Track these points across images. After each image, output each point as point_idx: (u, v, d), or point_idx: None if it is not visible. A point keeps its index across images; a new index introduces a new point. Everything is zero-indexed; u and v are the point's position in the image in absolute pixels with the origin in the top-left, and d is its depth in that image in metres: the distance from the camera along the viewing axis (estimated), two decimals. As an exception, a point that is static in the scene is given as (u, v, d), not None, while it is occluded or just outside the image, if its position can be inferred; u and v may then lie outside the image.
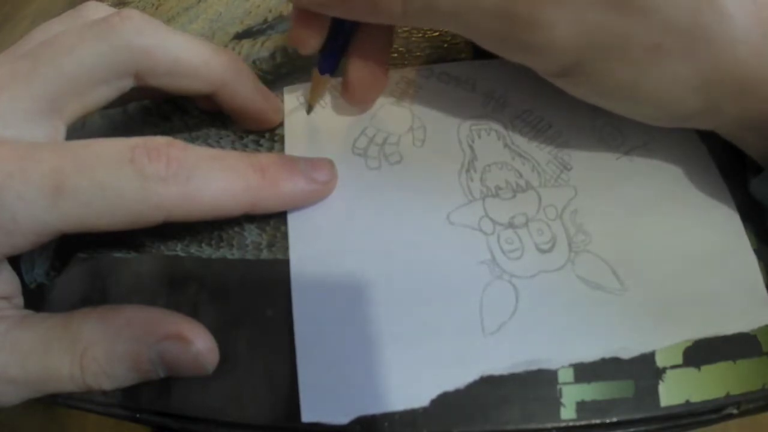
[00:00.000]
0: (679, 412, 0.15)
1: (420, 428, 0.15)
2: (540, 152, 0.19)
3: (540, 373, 0.16)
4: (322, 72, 0.19)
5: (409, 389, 0.16)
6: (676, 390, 0.16)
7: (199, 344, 0.15)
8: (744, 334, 0.16)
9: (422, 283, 0.17)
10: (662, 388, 0.16)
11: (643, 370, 0.16)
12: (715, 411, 0.16)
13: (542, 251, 0.17)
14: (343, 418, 0.15)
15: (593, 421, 0.15)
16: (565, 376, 0.16)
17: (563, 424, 0.15)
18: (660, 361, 0.16)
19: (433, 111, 0.20)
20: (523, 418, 0.15)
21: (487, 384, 0.16)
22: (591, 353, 0.16)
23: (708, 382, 0.16)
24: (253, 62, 0.23)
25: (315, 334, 0.16)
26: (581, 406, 0.15)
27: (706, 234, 0.18)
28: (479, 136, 0.19)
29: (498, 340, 0.16)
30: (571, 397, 0.15)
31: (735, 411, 0.16)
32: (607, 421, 0.15)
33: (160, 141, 0.15)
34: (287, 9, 0.25)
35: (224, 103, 0.19)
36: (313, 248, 0.18)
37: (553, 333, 0.16)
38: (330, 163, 0.18)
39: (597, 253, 0.17)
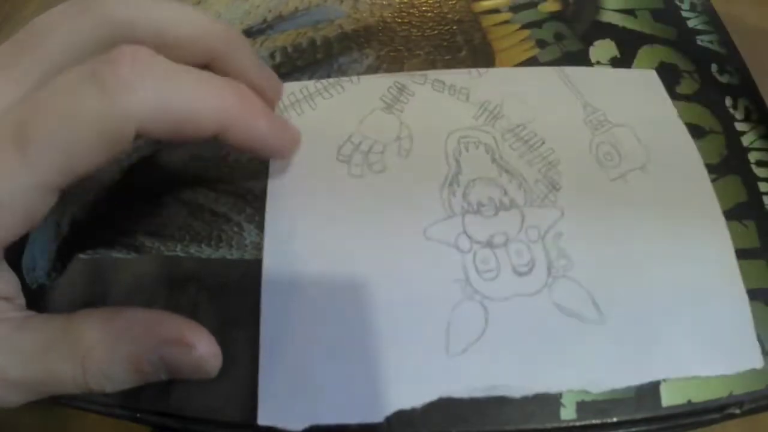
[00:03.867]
0: (680, 412, 0.15)
1: (419, 428, 0.15)
2: (529, 169, 0.19)
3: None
4: None
5: (365, 403, 0.15)
6: (677, 390, 0.15)
7: (201, 349, 0.15)
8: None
9: (391, 297, 0.16)
10: (664, 387, 0.15)
11: (644, 369, 0.16)
12: (717, 411, 0.16)
13: (519, 274, 0.17)
14: (297, 425, 0.15)
15: (593, 422, 0.15)
16: (566, 376, 0.16)
17: (563, 425, 0.15)
18: (661, 361, 0.16)
19: (422, 120, 0.20)
20: (523, 418, 0.15)
21: (487, 384, 0.16)
22: (557, 384, 0.15)
23: (710, 381, 0.16)
24: (253, 62, 0.23)
25: (279, 338, 0.16)
26: (581, 407, 0.15)
27: (697, 269, 0.17)
28: (467, 149, 0.19)
29: (461, 362, 0.16)
30: (571, 397, 0.15)
31: (737, 411, 0.15)
32: (608, 421, 0.15)
33: (125, 48, 0.13)
34: (286, 9, 0.25)
35: (231, 142, 0.16)
36: (288, 251, 0.17)
37: (520, 360, 0.16)
38: (295, 128, 0.17)
39: (577, 279, 0.17)
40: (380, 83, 0.21)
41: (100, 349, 0.14)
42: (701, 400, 0.15)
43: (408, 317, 0.16)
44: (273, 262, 0.17)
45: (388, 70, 0.21)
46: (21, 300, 0.16)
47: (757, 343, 0.16)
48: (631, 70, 0.21)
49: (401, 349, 0.16)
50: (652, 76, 0.21)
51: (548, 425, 0.15)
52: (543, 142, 0.19)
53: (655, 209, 0.18)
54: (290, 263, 0.17)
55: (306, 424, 0.15)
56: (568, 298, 0.16)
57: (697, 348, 0.16)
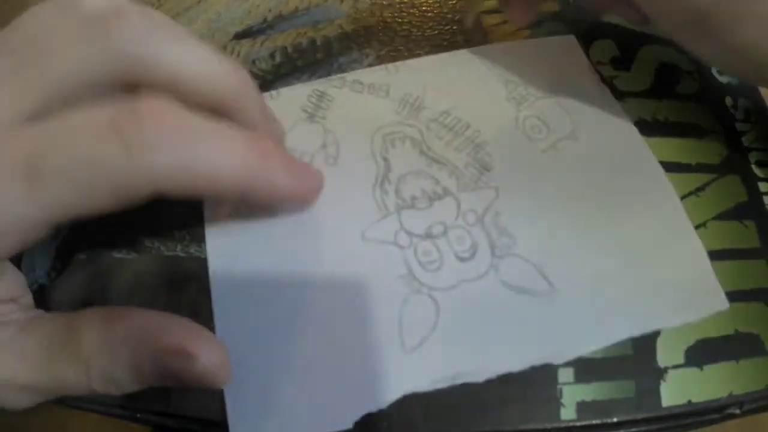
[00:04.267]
0: (680, 413, 0.15)
1: (419, 428, 0.15)
2: (458, 155, 0.19)
3: (539, 372, 0.16)
4: None
5: (332, 412, 0.15)
6: (677, 390, 0.15)
7: (204, 360, 0.13)
8: (747, 333, 0.16)
9: (340, 302, 0.16)
10: (664, 388, 0.15)
11: (644, 370, 0.16)
12: (717, 411, 0.16)
13: (462, 260, 0.17)
14: None
15: (593, 422, 0.15)
16: (566, 376, 0.16)
17: (563, 425, 0.15)
18: (662, 361, 0.16)
19: (345, 124, 0.19)
20: (523, 418, 0.15)
21: (487, 384, 0.16)
22: (519, 362, 0.15)
23: (710, 381, 0.16)
24: (253, 62, 0.23)
25: (236, 358, 0.15)
26: (581, 407, 0.15)
27: (643, 223, 0.17)
28: (393, 146, 0.19)
29: (419, 356, 0.16)
30: (572, 397, 0.15)
31: (737, 411, 0.15)
32: (608, 421, 0.15)
33: (150, 102, 0.13)
34: (287, 9, 0.25)
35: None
36: (233, 266, 0.17)
37: (478, 345, 0.16)
38: (317, 171, 0.17)
39: (523, 255, 0.17)
40: (300, 93, 0.20)
41: (102, 357, 0.14)
42: (701, 400, 0.15)
43: (359, 320, 0.16)
44: (221, 280, 0.17)
45: (388, 70, 0.21)
46: (28, 297, 0.16)
47: (718, 286, 0.16)
48: (550, 38, 0.21)
49: (358, 353, 0.16)
50: (571, 41, 0.21)
51: (548, 425, 0.15)
52: (468, 126, 0.19)
53: (592, 173, 0.18)
54: (237, 280, 0.17)
55: None
56: (516, 276, 0.17)
57: (657, 301, 0.16)
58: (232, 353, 0.14)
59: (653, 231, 0.17)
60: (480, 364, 0.15)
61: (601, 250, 0.17)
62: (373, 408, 0.15)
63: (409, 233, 0.17)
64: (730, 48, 0.16)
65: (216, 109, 0.15)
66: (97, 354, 0.14)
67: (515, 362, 0.15)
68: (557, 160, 0.18)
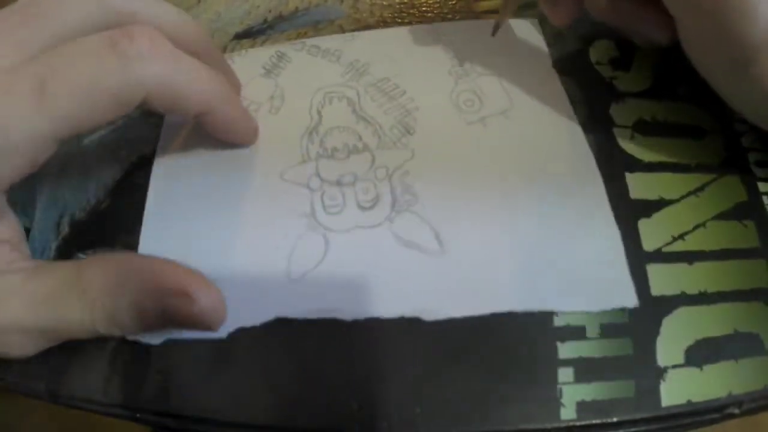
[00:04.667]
0: (680, 412, 0.15)
1: (419, 428, 0.15)
2: (386, 117, 0.20)
3: (539, 372, 0.16)
4: None
5: None
6: (677, 390, 0.15)
7: (202, 302, 0.15)
8: (747, 333, 0.16)
9: (248, 227, 0.18)
10: (663, 387, 0.15)
11: (644, 369, 0.16)
12: (717, 410, 0.15)
13: (363, 208, 0.18)
14: (155, 339, 0.17)
15: (593, 422, 0.15)
16: (565, 375, 0.16)
17: (563, 425, 0.15)
18: (661, 361, 0.16)
19: (295, 80, 0.22)
20: (523, 418, 0.15)
21: (487, 384, 0.16)
22: (389, 309, 0.16)
23: (710, 381, 0.16)
24: (253, 62, 0.23)
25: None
26: (581, 406, 0.15)
27: (559, 208, 0.18)
28: (330, 103, 0.21)
29: (299, 285, 0.17)
30: (571, 397, 0.15)
31: (737, 411, 0.15)
32: (608, 421, 0.15)
33: (140, 26, 0.15)
34: (287, 9, 0.25)
35: (209, 124, 0.18)
36: (171, 183, 0.20)
37: (355, 286, 0.17)
38: (257, 124, 0.20)
39: (420, 214, 0.18)
40: (264, 53, 0.23)
41: (107, 297, 0.15)
42: (701, 400, 0.15)
43: (259, 246, 0.18)
44: (155, 196, 0.19)
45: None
46: (24, 247, 0.17)
47: (630, 281, 0.16)
48: (511, 20, 0.22)
49: (249, 273, 0.17)
50: (533, 24, 0.22)
51: (548, 425, 0.15)
52: (404, 93, 0.21)
53: (515, 152, 0.19)
54: (171, 196, 0.19)
55: (163, 338, 0.17)
56: (409, 231, 0.18)
57: (554, 283, 0.16)
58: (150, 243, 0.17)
59: (567, 216, 0.18)
60: (351, 306, 0.17)
61: (505, 225, 0.17)
62: (247, 323, 0.17)
63: (321, 179, 0.19)
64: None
65: (198, 114, 0.17)
66: (103, 295, 0.15)
67: (386, 309, 0.16)
68: (481, 134, 0.19)
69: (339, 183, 0.19)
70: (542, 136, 0.19)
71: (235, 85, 0.21)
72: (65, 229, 0.19)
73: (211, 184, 0.19)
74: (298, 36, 0.23)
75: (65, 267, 0.16)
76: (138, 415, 0.16)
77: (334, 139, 0.20)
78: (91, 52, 0.15)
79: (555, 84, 0.21)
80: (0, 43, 0.15)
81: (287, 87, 0.22)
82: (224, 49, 0.24)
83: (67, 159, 0.21)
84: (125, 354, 0.17)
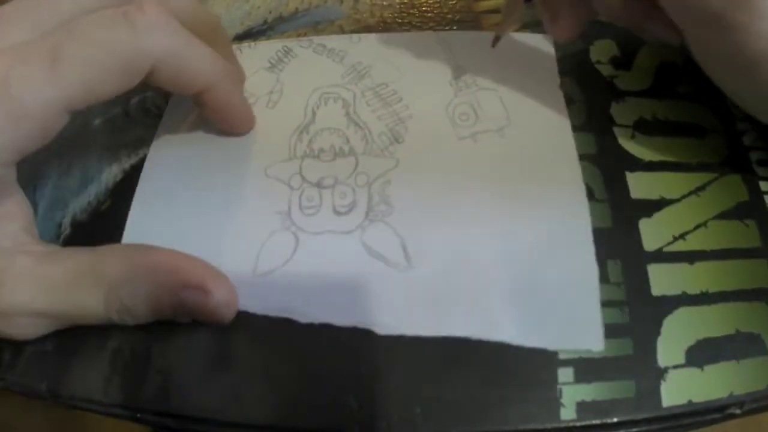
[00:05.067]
0: (681, 413, 0.15)
1: (419, 428, 0.15)
2: (378, 123, 0.20)
3: (539, 372, 0.16)
4: None
5: None
6: (678, 390, 0.15)
7: (218, 296, 0.16)
8: (748, 333, 0.16)
9: (225, 221, 0.18)
10: (664, 388, 0.15)
11: (644, 370, 0.16)
12: (718, 411, 0.15)
13: (338, 213, 0.18)
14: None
15: (593, 422, 0.15)
16: (566, 376, 0.16)
17: (563, 425, 0.15)
18: (662, 361, 0.16)
19: (296, 77, 0.22)
20: (523, 418, 0.15)
21: (487, 384, 0.16)
22: (343, 318, 0.16)
23: (711, 381, 0.15)
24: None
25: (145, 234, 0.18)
26: (581, 407, 0.15)
27: (539, 236, 0.17)
28: (326, 103, 0.21)
29: (263, 282, 0.17)
30: (571, 397, 0.15)
31: (738, 411, 0.15)
32: (608, 421, 0.15)
33: (152, 2, 0.16)
34: (287, 10, 0.25)
35: (209, 104, 0.19)
36: (166, 162, 0.20)
37: (316, 289, 0.17)
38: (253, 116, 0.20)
39: (393, 225, 0.18)
40: (271, 47, 0.23)
41: (123, 287, 0.15)
42: (702, 400, 0.15)
43: (231, 238, 0.18)
44: (149, 173, 0.20)
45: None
46: (35, 230, 0.17)
47: (600, 326, 0.16)
48: (522, 34, 0.22)
49: (219, 264, 0.17)
50: (545, 40, 0.21)
51: (548, 425, 0.15)
52: (400, 100, 0.20)
53: (501, 172, 0.18)
54: (163, 174, 0.20)
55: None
56: (379, 241, 0.17)
57: (515, 313, 0.16)
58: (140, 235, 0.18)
59: (547, 249, 0.17)
60: (309, 309, 0.16)
61: (478, 248, 0.17)
62: None
63: (303, 178, 0.19)
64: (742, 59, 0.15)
65: (200, 92, 0.18)
66: (120, 283, 0.15)
67: (339, 318, 0.16)
68: (470, 150, 0.19)
69: (319, 184, 0.19)
70: (535, 161, 0.19)
71: (239, 75, 0.21)
72: (67, 229, 0.20)
73: (197, 173, 0.19)
74: (298, 37, 0.23)
75: (82, 253, 0.16)
76: (138, 415, 0.16)
77: (323, 140, 0.20)
78: (103, 23, 0.15)
79: (559, 106, 0.20)
80: (18, 22, 0.16)
81: (287, 83, 0.22)
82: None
83: (68, 161, 0.21)
84: (125, 354, 0.17)
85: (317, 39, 0.23)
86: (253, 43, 0.23)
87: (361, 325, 0.16)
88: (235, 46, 0.23)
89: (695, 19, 0.16)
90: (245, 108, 0.20)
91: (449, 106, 0.20)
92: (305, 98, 0.21)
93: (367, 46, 0.22)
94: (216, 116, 0.19)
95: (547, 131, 0.19)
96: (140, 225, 0.19)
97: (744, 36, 0.15)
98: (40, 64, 0.15)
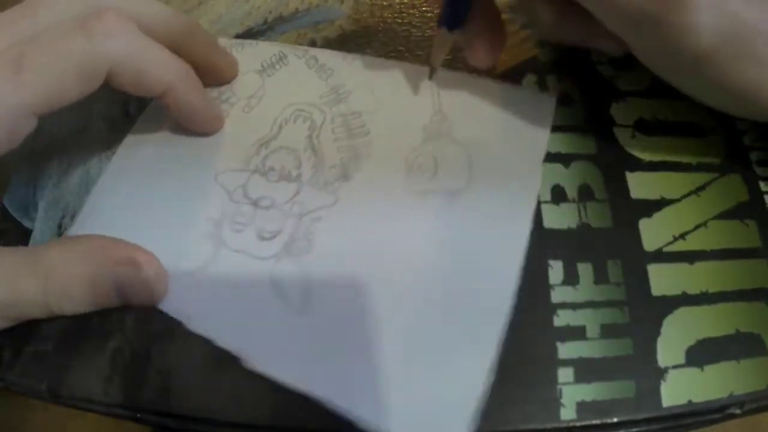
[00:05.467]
0: (681, 413, 0.15)
1: (419, 428, 0.15)
2: (334, 154, 0.19)
3: (539, 373, 0.16)
4: (449, 27, 0.18)
5: None
6: (678, 390, 0.15)
7: (148, 270, 0.16)
8: (748, 333, 0.16)
9: (167, 209, 0.19)
10: (664, 388, 0.15)
11: (644, 370, 0.16)
12: (718, 411, 0.15)
13: (261, 237, 0.18)
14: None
15: (593, 422, 0.15)
16: (566, 376, 0.16)
17: (563, 425, 0.15)
18: (662, 361, 0.16)
19: (278, 87, 0.21)
20: (523, 418, 0.15)
21: (487, 384, 0.16)
22: (228, 342, 0.16)
23: (711, 381, 0.15)
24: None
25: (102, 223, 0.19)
26: (581, 407, 0.15)
27: (439, 317, 0.16)
28: (294, 121, 0.20)
29: (173, 283, 0.17)
30: (572, 397, 0.15)
31: (738, 411, 0.15)
32: (608, 421, 0.15)
33: (111, 11, 0.17)
34: (287, 10, 0.25)
35: (171, 104, 0.19)
36: (132, 157, 0.20)
37: (213, 310, 0.17)
38: (221, 115, 0.21)
39: (306, 265, 0.17)
40: (268, 50, 0.23)
41: (60, 271, 0.16)
42: (702, 400, 0.15)
43: (163, 236, 0.18)
44: (106, 177, 0.20)
45: (388, 70, 0.21)
46: None
47: (468, 419, 0.15)
48: (525, 88, 0.20)
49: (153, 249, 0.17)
50: (547, 102, 0.19)
51: (548, 425, 0.15)
52: (367, 134, 0.20)
53: (433, 242, 0.17)
54: (130, 167, 0.20)
55: None
56: (286, 278, 0.17)
57: (382, 392, 0.15)
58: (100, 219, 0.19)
59: (445, 335, 0.16)
60: (199, 319, 0.17)
61: (378, 314, 0.16)
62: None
63: (245, 193, 0.19)
64: (728, 90, 0.15)
65: (170, 45, 0.18)
66: (56, 268, 0.16)
67: (225, 341, 0.16)
68: (411, 208, 0.18)
69: (256, 204, 0.18)
70: (474, 241, 0.17)
71: (229, 65, 0.22)
72: (66, 229, 0.20)
73: (154, 170, 0.20)
74: (299, 37, 0.23)
75: (24, 249, 0.17)
76: (138, 415, 0.16)
77: (276, 159, 0.19)
78: (63, 32, 0.16)
79: (532, 182, 0.18)
80: None
81: (269, 90, 0.21)
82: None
83: (68, 161, 0.21)
84: (125, 354, 0.17)
85: (313, 51, 0.22)
86: (253, 42, 0.23)
87: (240, 353, 0.16)
88: (238, 42, 0.23)
89: (630, 24, 0.16)
90: (207, 109, 0.20)
91: (412, 153, 0.19)
92: (278, 111, 0.21)
93: (357, 69, 0.21)
94: (179, 116, 0.20)
95: (505, 209, 0.18)
96: (90, 221, 0.19)
97: (680, 33, 0.15)
98: (4, 73, 0.16)
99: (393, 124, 0.20)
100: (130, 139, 0.21)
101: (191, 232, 0.18)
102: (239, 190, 0.19)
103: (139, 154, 0.20)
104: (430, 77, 0.20)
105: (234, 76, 0.22)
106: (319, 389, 0.15)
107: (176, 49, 0.19)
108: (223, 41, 0.23)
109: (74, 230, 0.19)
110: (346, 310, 0.16)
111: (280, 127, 0.20)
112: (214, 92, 0.22)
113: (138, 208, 0.19)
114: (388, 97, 0.20)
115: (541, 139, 0.19)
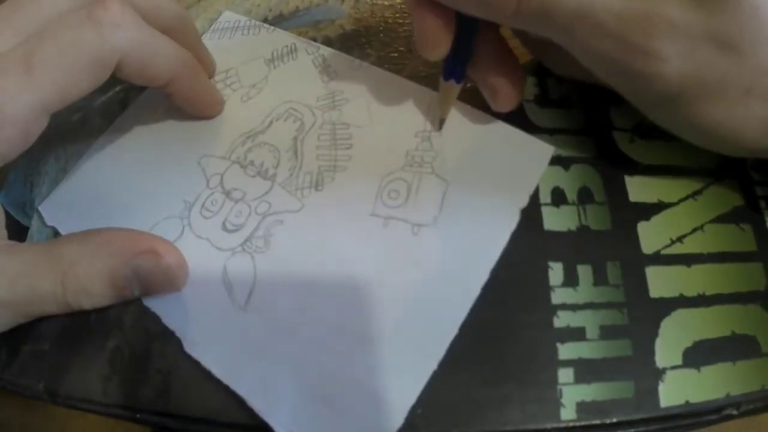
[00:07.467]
0: (679, 413, 0.15)
1: (419, 429, 0.15)
2: (313, 162, 0.19)
3: (539, 373, 0.16)
4: (457, 80, 0.18)
5: None
6: (676, 391, 0.16)
7: (169, 258, 0.16)
8: (744, 335, 0.16)
9: (142, 195, 0.19)
10: (662, 388, 0.16)
11: (643, 370, 0.16)
12: (715, 412, 0.16)
13: (225, 229, 0.18)
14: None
15: (593, 422, 0.15)
16: (565, 376, 0.16)
17: (563, 425, 0.15)
18: (660, 362, 0.16)
19: (281, 81, 0.21)
20: (523, 418, 0.15)
21: (487, 384, 0.16)
22: (166, 319, 0.17)
23: (708, 382, 0.16)
24: (253, 61, 0.23)
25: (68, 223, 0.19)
26: (581, 407, 0.15)
27: (385, 353, 0.16)
28: (285, 119, 0.20)
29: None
30: (571, 397, 0.16)
31: (735, 412, 0.16)
32: (607, 421, 0.15)
33: (115, 0, 0.17)
34: (287, 8, 0.25)
35: (175, 93, 0.19)
36: (124, 134, 0.21)
37: (174, 301, 0.17)
38: (222, 101, 0.21)
39: (258, 264, 0.17)
40: (282, 39, 0.23)
41: (79, 265, 0.16)
42: (699, 401, 0.16)
43: (138, 211, 0.19)
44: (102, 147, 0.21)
45: (390, 70, 0.21)
46: (3, 231, 0.18)
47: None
48: (527, 136, 0.19)
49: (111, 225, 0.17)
50: (544, 152, 0.18)
51: (548, 425, 0.15)
52: (349, 147, 0.19)
53: (388, 272, 0.17)
54: (118, 144, 0.21)
55: None
56: (237, 274, 0.17)
57: (300, 395, 0.15)
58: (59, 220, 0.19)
59: (391, 349, 0.16)
60: (166, 311, 0.17)
61: (321, 332, 0.16)
62: None
63: (222, 182, 0.19)
64: (698, 126, 0.16)
65: (165, 83, 0.19)
66: (76, 260, 0.16)
67: (166, 317, 0.17)
68: (371, 233, 0.17)
69: (228, 194, 0.19)
70: (428, 278, 0.16)
71: (209, 62, 0.22)
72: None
73: (143, 146, 0.20)
74: (299, 35, 0.23)
75: (39, 244, 0.17)
76: (138, 415, 0.16)
77: (258, 153, 0.19)
78: (70, 25, 0.16)
79: (502, 231, 0.17)
80: (0, 31, 0.16)
81: (271, 83, 0.21)
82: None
83: (66, 158, 0.21)
84: (125, 353, 0.17)
85: (324, 49, 0.22)
86: (270, 28, 0.23)
87: (177, 333, 0.16)
88: (256, 23, 0.23)
89: (601, 66, 0.16)
90: (209, 94, 0.21)
91: (388, 177, 0.18)
92: (273, 106, 0.21)
93: (360, 78, 0.21)
94: (183, 103, 0.20)
95: (465, 256, 0.17)
96: (72, 185, 0.20)
97: (647, 80, 0.15)
98: (15, 72, 0.15)
99: (378, 143, 0.19)
100: (122, 119, 0.21)
101: (165, 209, 0.19)
102: (216, 177, 0.19)
103: (129, 133, 0.21)
104: (439, 128, 0.19)
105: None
106: (242, 388, 0.15)
107: (166, 31, 0.19)
108: (254, 22, 0.23)
109: (56, 194, 0.20)
110: (284, 317, 0.16)
111: (271, 122, 0.20)
112: (221, 74, 0.22)
113: (120, 180, 0.19)
114: (382, 115, 0.20)
115: (526, 189, 0.18)
